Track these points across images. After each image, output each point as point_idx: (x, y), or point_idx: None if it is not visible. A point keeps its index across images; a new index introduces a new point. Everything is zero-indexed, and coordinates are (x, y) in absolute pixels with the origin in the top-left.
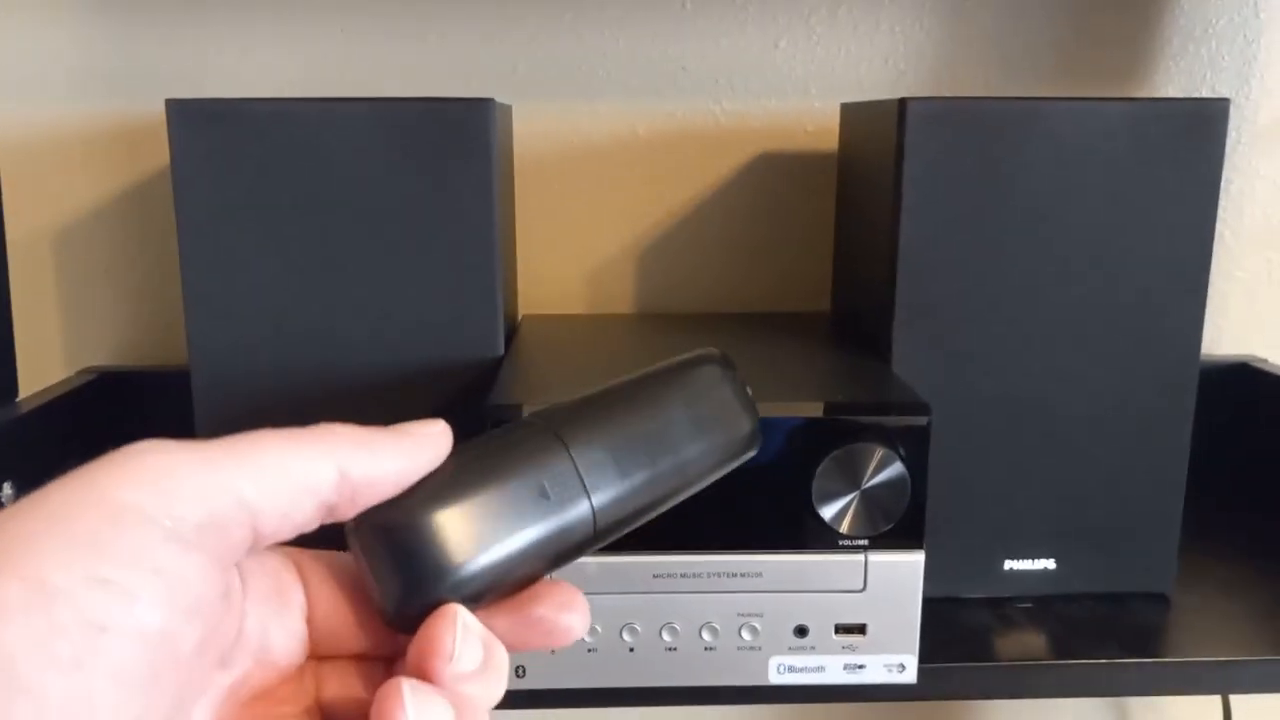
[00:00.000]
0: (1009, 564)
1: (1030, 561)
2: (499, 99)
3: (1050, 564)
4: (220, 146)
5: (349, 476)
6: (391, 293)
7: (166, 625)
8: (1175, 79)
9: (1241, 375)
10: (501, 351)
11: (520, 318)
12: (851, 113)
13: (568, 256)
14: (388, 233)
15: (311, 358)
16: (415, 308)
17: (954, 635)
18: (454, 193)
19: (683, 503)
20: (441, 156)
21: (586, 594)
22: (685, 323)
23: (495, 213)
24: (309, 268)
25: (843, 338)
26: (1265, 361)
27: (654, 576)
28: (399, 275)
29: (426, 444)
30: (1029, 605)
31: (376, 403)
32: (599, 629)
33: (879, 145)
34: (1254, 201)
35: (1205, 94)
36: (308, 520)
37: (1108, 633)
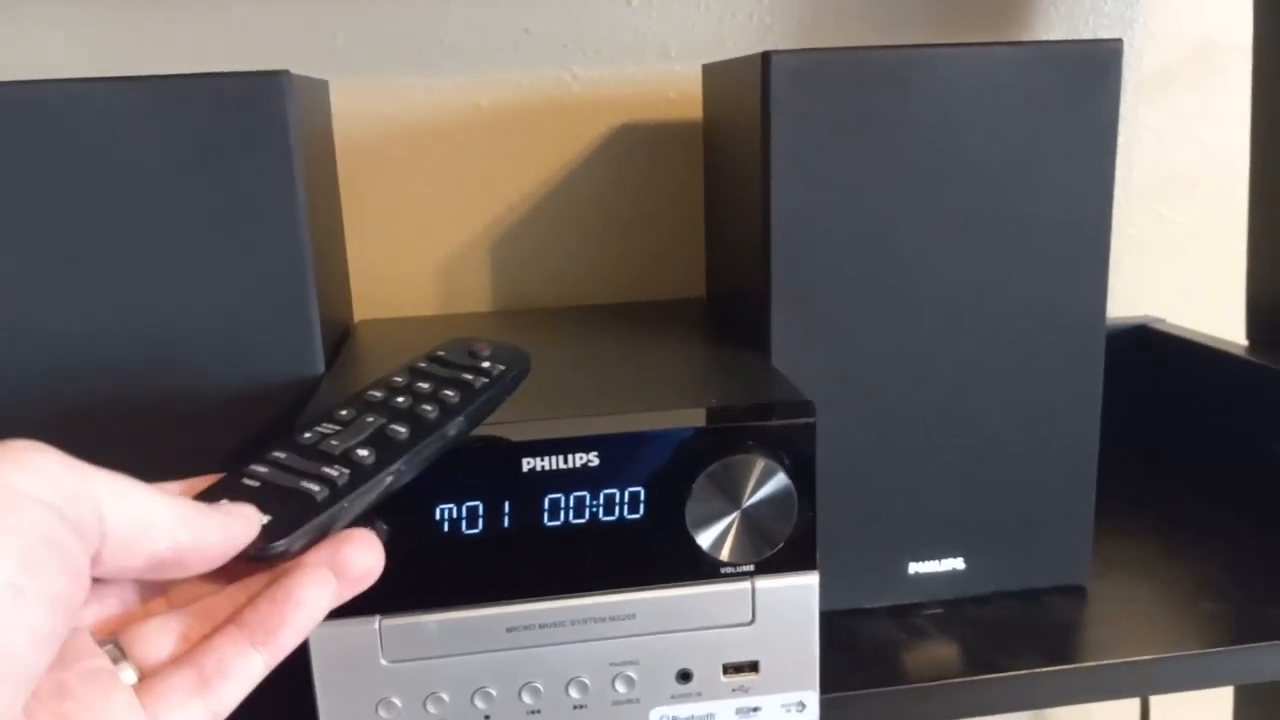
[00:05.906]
0: (914, 567)
1: (937, 563)
2: (315, 74)
3: (959, 563)
4: None
5: (179, 538)
6: (179, 306)
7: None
8: (1056, 24)
9: (1140, 338)
10: (322, 369)
11: (354, 324)
12: (714, 74)
13: (410, 251)
14: (171, 235)
15: (83, 386)
16: (210, 322)
17: (858, 655)
18: (248, 184)
19: (539, 542)
20: (230, 142)
21: (428, 659)
22: (547, 319)
23: (300, 205)
24: (75, 279)
25: (718, 328)
26: (1163, 322)
27: (507, 630)
28: (188, 285)
29: (242, 523)
30: (938, 611)
31: (166, 438)
32: (445, 698)
33: (744, 108)
34: (1142, 153)
35: (1088, 39)
36: (139, 565)
37: (1023, 637)
